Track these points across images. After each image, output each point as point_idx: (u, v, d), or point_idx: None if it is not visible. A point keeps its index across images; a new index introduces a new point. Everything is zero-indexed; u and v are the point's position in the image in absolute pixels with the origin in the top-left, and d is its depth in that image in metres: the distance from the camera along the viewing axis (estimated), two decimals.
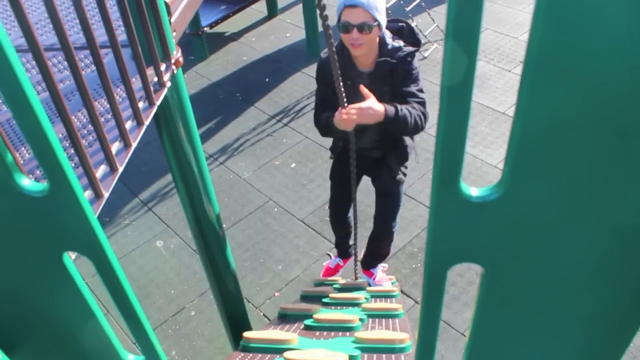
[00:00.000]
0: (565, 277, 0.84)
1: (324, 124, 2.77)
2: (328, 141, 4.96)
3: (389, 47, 2.67)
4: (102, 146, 1.57)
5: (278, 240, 4.18)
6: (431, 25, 6.33)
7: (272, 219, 4.37)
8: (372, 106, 2.50)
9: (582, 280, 0.83)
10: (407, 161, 3.08)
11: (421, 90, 2.72)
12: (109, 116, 1.80)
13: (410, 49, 2.69)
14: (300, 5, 6.32)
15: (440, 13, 6.72)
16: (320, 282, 3.68)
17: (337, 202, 3.29)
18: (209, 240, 2.77)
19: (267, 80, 6.01)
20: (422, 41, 6.26)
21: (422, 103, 2.69)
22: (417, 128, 2.66)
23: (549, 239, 0.78)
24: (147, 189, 4.80)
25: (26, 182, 0.82)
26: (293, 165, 4.87)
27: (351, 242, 3.52)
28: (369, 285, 3.48)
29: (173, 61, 2.04)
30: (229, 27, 6.94)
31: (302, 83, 5.87)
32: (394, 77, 2.67)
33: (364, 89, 2.51)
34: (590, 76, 0.61)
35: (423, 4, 6.29)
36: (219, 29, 6.73)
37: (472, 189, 0.74)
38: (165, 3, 2.09)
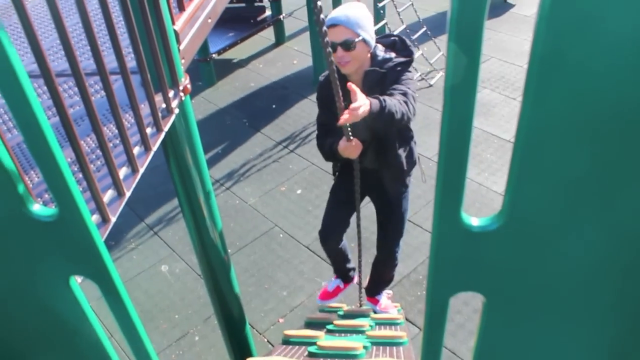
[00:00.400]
0: (566, 302, 0.84)
1: (327, 151, 2.76)
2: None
3: (379, 58, 2.65)
4: (109, 171, 1.59)
5: (283, 266, 4.18)
6: (437, 53, 6.39)
7: (278, 245, 4.37)
8: (362, 104, 2.35)
9: (584, 305, 0.84)
10: (407, 177, 3.01)
11: (408, 89, 2.63)
12: (117, 141, 1.83)
13: (401, 59, 2.66)
14: (307, 33, 6.40)
15: (445, 41, 6.77)
16: (324, 308, 3.61)
17: (329, 220, 3.10)
18: (214, 265, 2.78)
19: (273, 106, 6.06)
20: (428, 69, 6.35)
21: (405, 94, 2.59)
22: (402, 118, 2.53)
23: (549, 267, 0.79)
24: (153, 213, 4.82)
25: (36, 207, 0.83)
26: (299, 191, 4.89)
27: (350, 265, 3.43)
28: (374, 312, 3.45)
29: (181, 88, 2.07)
30: (236, 54, 7.02)
31: (309, 110, 5.92)
32: (383, 86, 2.61)
33: (351, 86, 2.37)
34: (589, 117, 0.62)
35: (429, 32, 6.36)
36: (226, 55, 6.82)
37: (473, 219, 0.75)
38: (175, 31, 2.13)
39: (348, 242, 3.25)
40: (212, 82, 6.49)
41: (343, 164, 3.01)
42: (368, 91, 2.51)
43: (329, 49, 1.97)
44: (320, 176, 5.01)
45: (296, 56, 7.02)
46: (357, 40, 2.52)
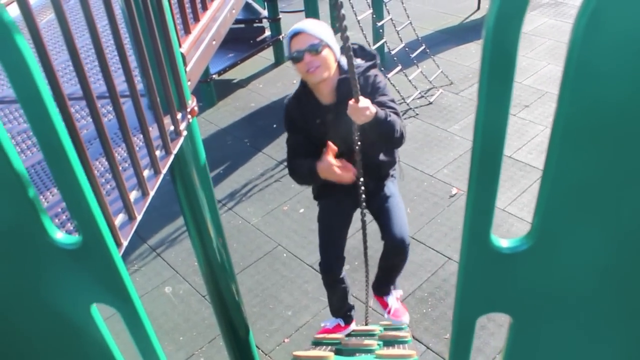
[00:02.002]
0: (593, 319, 0.84)
1: (305, 173, 2.66)
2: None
3: (345, 67, 2.55)
4: (120, 195, 1.59)
5: (287, 286, 4.16)
6: (436, 71, 6.43)
7: (281, 265, 4.36)
8: (369, 106, 2.34)
9: (611, 321, 0.83)
10: (388, 176, 2.95)
11: (393, 101, 2.61)
12: (126, 164, 1.82)
13: (367, 63, 2.64)
14: None
15: (444, 59, 6.83)
16: (317, 341, 3.29)
17: (331, 250, 2.93)
18: (221, 286, 2.77)
19: (274, 126, 6.07)
20: (427, 87, 6.38)
21: (399, 114, 2.56)
22: (401, 138, 2.53)
23: (577, 286, 0.78)
24: (156, 235, 4.80)
25: (59, 236, 0.83)
26: (301, 210, 4.88)
27: (350, 303, 3.19)
28: (386, 317, 3.21)
29: (189, 110, 2.07)
30: (236, 74, 7.05)
31: None
32: (363, 91, 2.48)
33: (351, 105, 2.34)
34: (624, 136, 0.62)
35: (428, 50, 6.40)
36: (227, 76, 6.85)
37: (502, 241, 0.75)
38: (181, 53, 2.14)
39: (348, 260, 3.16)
40: (212, 102, 6.52)
41: (322, 186, 2.89)
42: (344, 106, 2.40)
43: (349, 44, 2.01)
44: None
45: (296, 76, 7.03)
46: (322, 44, 2.50)
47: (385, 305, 3.20)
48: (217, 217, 2.49)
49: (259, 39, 7.04)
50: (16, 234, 0.83)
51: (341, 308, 3.20)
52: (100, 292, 0.88)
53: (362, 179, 2.60)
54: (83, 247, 0.82)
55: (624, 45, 0.55)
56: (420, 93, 6.16)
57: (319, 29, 2.55)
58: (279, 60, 7.33)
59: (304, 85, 2.70)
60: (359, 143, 2.50)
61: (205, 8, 2.53)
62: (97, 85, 2.29)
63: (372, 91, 2.59)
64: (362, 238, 2.99)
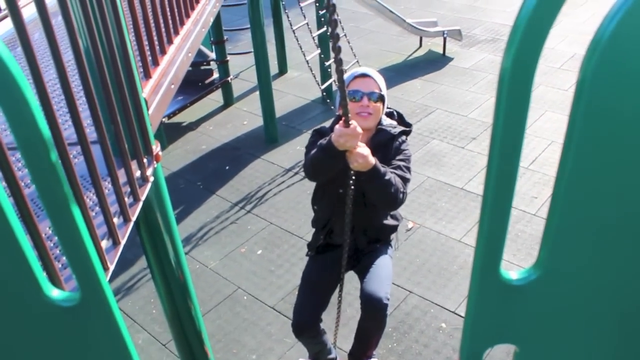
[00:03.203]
0: (598, 349, 0.85)
1: (319, 153, 2.45)
2: (294, 226, 4.98)
3: (385, 123, 2.71)
4: (94, 244, 1.54)
5: (250, 329, 4.08)
6: None
7: (242, 308, 4.28)
8: (368, 154, 2.34)
9: (616, 351, 0.85)
10: (389, 243, 2.97)
11: (408, 169, 2.63)
12: (93, 213, 1.78)
13: (402, 128, 2.74)
14: (256, 94, 6.46)
15: (391, 96, 6.96)
16: None
17: (309, 311, 2.83)
18: (187, 332, 2.70)
19: (227, 168, 6.04)
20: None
21: (406, 180, 2.59)
22: (396, 198, 2.48)
23: (583, 314, 0.80)
24: (111, 284, 4.65)
25: (55, 293, 0.80)
26: (259, 251, 4.83)
27: (332, 356, 3.13)
28: None
29: (154, 155, 2.05)
30: (186, 117, 7.01)
31: (263, 169, 5.93)
32: (387, 150, 2.62)
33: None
34: (631, 168, 0.65)
35: None
36: (176, 119, 6.80)
37: (512, 273, 0.76)
38: (144, 98, 2.12)
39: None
40: (163, 146, 6.44)
41: (325, 238, 2.88)
42: (373, 151, 2.44)
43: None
44: (280, 235, 4.98)
45: (245, 117, 7.06)
46: (381, 93, 2.59)
47: None
48: (183, 263, 2.44)
49: (207, 81, 7.05)
50: (9, 291, 0.80)
51: (320, 354, 3.10)
52: (99, 350, 0.84)
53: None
54: (82, 303, 0.79)
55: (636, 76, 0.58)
56: None
57: (382, 82, 2.65)
58: (228, 102, 7.34)
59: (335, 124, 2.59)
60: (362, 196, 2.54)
61: (163, 52, 2.53)
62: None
63: (395, 153, 2.64)
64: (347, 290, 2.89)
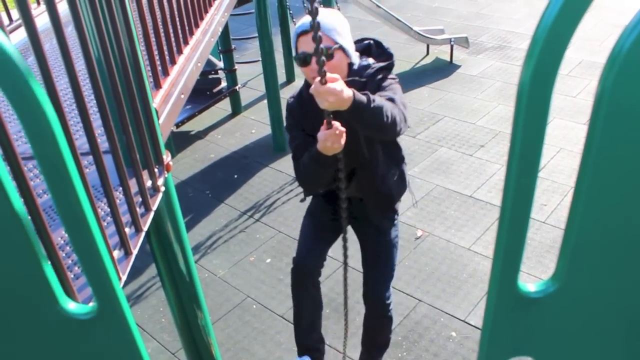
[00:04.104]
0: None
1: (306, 162, 2.28)
2: None
3: (356, 66, 2.29)
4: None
5: (259, 338, 4.08)
6: None
7: (252, 316, 4.28)
8: (342, 88, 1.88)
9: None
10: (397, 203, 2.63)
11: (395, 95, 2.26)
12: (104, 223, 1.78)
13: (380, 64, 2.32)
14: (264, 102, 6.47)
15: None
16: None
17: (310, 252, 2.63)
18: (197, 341, 2.70)
19: (235, 176, 6.05)
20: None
21: (392, 99, 2.20)
22: (394, 125, 2.13)
23: (600, 326, 0.79)
24: None
25: (72, 306, 0.80)
26: (268, 260, 4.83)
27: (318, 333, 2.93)
28: None
29: (165, 164, 2.06)
30: (194, 125, 7.04)
31: (271, 178, 5.93)
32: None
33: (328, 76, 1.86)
34: None
35: None
36: (184, 128, 6.82)
37: (529, 285, 0.76)
38: (154, 108, 2.13)
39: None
40: (172, 154, 6.45)
41: (323, 195, 2.62)
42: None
43: (323, 58, 1.65)
44: (289, 243, 4.98)
45: (254, 125, 7.07)
46: (334, 47, 2.17)
47: None
48: (193, 272, 2.44)
49: (215, 90, 7.07)
50: (25, 304, 0.80)
51: (309, 334, 2.90)
52: None
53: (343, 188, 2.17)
54: (98, 316, 0.79)
55: None
56: None
57: (334, 25, 2.17)
58: (236, 111, 7.36)
59: (307, 85, 2.37)
60: (365, 154, 2.26)
61: (173, 62, 2.54)
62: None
63: (376, 90, 2.24)
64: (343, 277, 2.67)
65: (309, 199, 2.81)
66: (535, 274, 4.24)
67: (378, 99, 2.05)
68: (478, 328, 3.92)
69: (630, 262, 0.73)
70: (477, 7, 10.59)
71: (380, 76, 2.29)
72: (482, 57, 8.23)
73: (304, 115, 2.46)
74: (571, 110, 6.55)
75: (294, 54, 2.28)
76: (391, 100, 2.18)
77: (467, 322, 3.94)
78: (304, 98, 2.44)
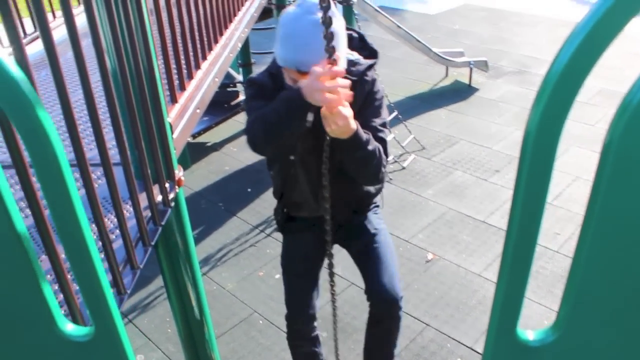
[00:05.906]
0: None
1: (281, 104, 1.91)
2: None
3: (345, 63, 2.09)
4: (110, 268, 1.55)
5: (264, 354, 4.06)
6: (408, 136, 6.54)
7: (258, 332, 4.26)
8: (351, 115, 1.79)
9: None
10: (377, 206, 2.56)
11: (385, 125, 2.16)
12: (113, 236, 1.79)
13: (367, 61, 2.17)
14: None
15: (415, 125, 6.97)
16: None
17: (300, 301, 2.54)
18: (200, 355, 2.69)
19: (249, 190, 6.06)
20: (400, 152, 6.47)
21: (385, 143, 2.12)
22: (377, 173, 2.08)
23: None
24: (127, 301, 4.67)
25: (70, 328, 0.80)
26: (277, 276, 4.82)
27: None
28: None
29: (176, 180, 2.06)
30: (210, 137, 7.07)
31: None
32: (354, 99, 1.85)
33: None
34: None
35: (400, 116, 6.53)
36: (201, 139, 6.86)
37: (528, 333, 0.75)
38: (169, 123, 2.14)
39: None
40: (186, 165, 6.49)
41: (287, 218, 2.57)
42: None
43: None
44: None
45: None
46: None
47: None
48: (200, 287, 2.44)
49: (233, 102, 7.11)
50: (23, 324, 0.80)
51: None
52: None
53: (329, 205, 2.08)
54: (94, 339, 0.79)
55: None
56: (393, 158, 6.24)
57: (338, 35, 1.91)
58: None
59: (281, 74, 2.14)
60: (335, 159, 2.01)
61: (191, 77, 2.56)
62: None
63: (366, 102, 2.12)
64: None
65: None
66: (545, 304, 4.19)
67: (374, 144, 1.98)
68: None
69: (633, 315, 0.71)
70: (498, 30, 10.58)
71: (368, 78, 2.15)
72: (501, 82, 8.20)
73: (276, 85, 2.22)
74: (589, 139, 6.50)
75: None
76: (382, 140, 2.10)
77: (473, 350, 3.89)
78: (278, 83, 2.19)
